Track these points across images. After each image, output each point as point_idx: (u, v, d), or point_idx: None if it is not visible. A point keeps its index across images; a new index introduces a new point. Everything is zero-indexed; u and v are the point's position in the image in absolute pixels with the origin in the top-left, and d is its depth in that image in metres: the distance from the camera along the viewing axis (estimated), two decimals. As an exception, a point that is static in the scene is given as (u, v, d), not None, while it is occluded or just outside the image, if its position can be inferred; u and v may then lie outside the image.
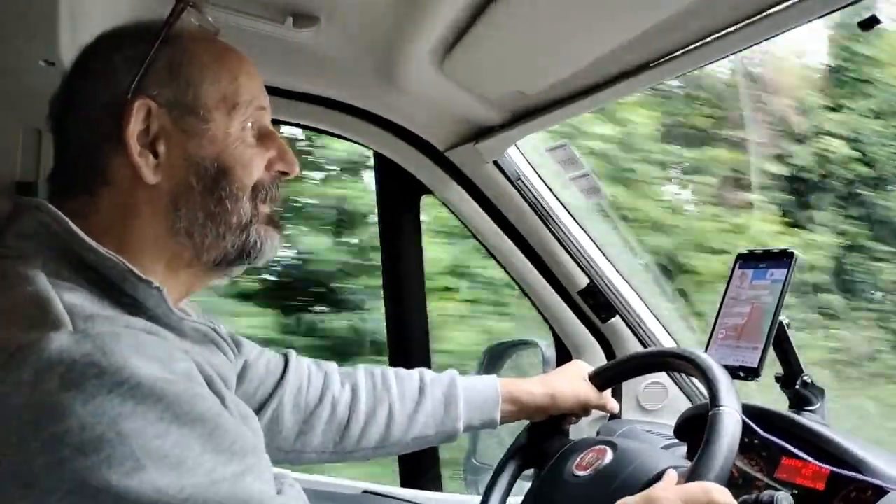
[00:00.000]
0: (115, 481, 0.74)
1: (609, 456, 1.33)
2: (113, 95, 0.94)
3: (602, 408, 1.53)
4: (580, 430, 1.71)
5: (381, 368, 1.47)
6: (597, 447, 1.37)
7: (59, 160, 0.99)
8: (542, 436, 1.53)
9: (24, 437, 0.74)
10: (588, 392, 1.50)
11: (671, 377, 1.89)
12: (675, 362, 1.35)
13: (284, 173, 1.05)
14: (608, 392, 1.54)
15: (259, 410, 1.33)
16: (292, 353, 1.42)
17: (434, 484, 2.00)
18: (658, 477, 1.18)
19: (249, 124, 1.01)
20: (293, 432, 1.36)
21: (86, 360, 0.76)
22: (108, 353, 0.77)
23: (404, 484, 1.98)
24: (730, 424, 1.11)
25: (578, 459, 1.36)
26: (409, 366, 1.51)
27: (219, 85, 0.98)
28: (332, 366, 1.45)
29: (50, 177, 1.00)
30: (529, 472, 1.54)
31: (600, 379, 1.52)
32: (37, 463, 0.74)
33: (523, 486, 1.51)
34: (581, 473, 1.33)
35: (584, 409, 1.52)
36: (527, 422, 1.55)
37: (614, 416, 1.69)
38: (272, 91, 1.64)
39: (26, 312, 0.81)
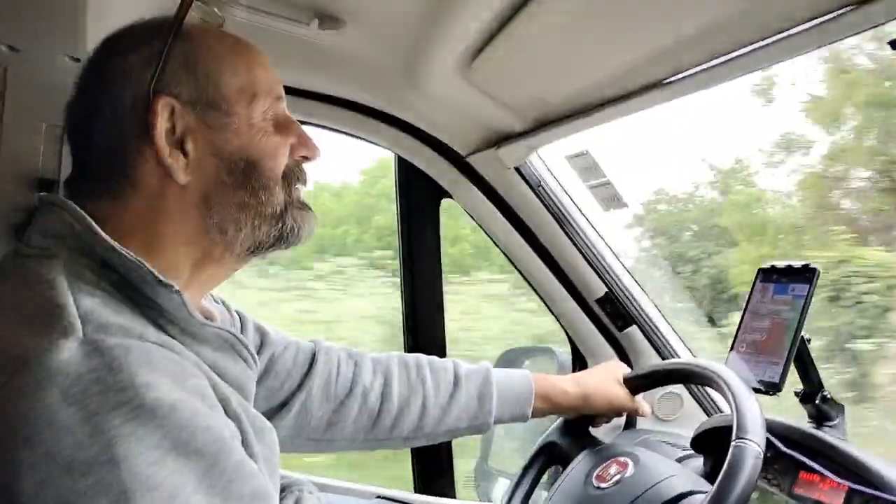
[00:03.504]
0: None
1: (630, 470, 1.33)
2: (133, 97, 0.92)
3: (634, 411, 1.53)
4: (598, 434, 1.71)
5: (415, 357, 1.46)
6: (620, 458, 1.37)
7: (79, 163, 0.98)
8: (573, 433, 1.53)
9: (16, 452, 0.71)
10: (621, 395, 1.50)
11: (688, 388, 1.88)
12: (710, 379, 1.33)
13: (306, 158, 1.05)
14: (640, 396, 1.54)
15: (286, 403, 1.32)
16: (321, 343, 1.41)
17: (447, 490, 2.00)
18: (676, 500, 1.19)
19: (270, 114, 1.00)
20: (323, 422, 1.35)
21: (91, 375, 0.73)
22: (116, 370, 0.74)
23: (418, 489, 1.99)
24: (750, 460, 1.11)
25: (600, 470, 1.36)
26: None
27: (237, 77, 0.97)
28: (362, 354, 1.44)
29: (69, 179, 0.98)
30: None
31: (634, 383, 1.52)
32: (25, 481, 0.71)
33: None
34: (602, 485, 1.33)
35: (615, 412, 1.52)
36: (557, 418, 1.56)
37: (628, 426, 1.68)
38: (295, 92, 1.68)
39: (39, 316, 0.79)
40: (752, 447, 1.13)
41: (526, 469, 1.53)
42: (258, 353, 1.29)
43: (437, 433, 1.42)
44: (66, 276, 0.83)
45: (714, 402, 1.85)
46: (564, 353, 2.04)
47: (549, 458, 1.54)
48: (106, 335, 0.78)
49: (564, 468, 1.48)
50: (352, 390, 1.37)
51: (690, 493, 1.25)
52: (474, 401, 1.42)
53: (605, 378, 1.52)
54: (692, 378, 1.50)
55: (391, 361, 1.43)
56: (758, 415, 1.18)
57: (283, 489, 1.13)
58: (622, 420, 1.64)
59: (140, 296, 0.87)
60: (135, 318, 0.84)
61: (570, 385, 1.50)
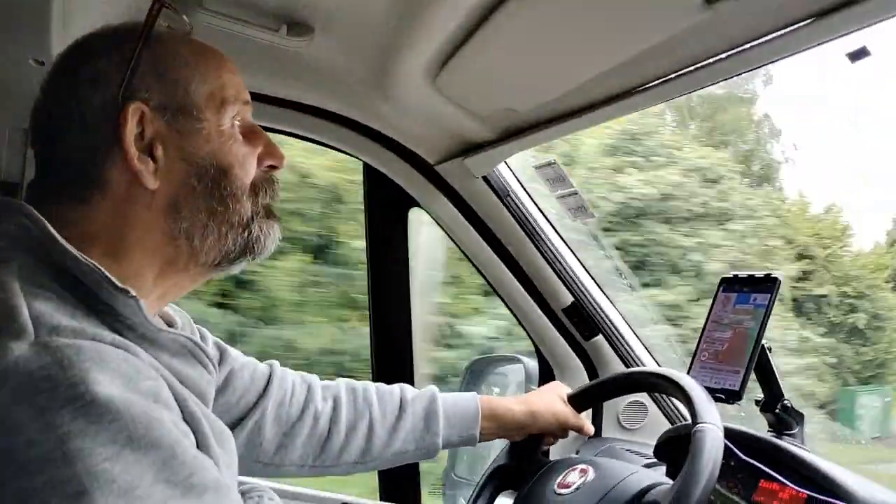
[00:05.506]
0: None
1: (591, 474, 1.33)
2: (103, 101, 0.92)
3: (579, 429, 1.54)
4: (557, 450, 1.72)
5: (363, 383, 1.47)
6: (579, 466, 1.37)
7: (44, 166, 0.96)
8: (522, 456, 1.53)
9: None
10: (566, 413, 1.51)
11: (651, 397, 1.90)
12: (653, 382, 1.36)
13: (273, 167, 1.05)
14: (586, 413, 1.55)
15: (240, 421, 1.32)
16: (276, 365, 1.41)
17: (413, 498, 1.99)
18: (641, 494, 1.19)
19: (237, 122, 1.00)
20: (273, 444, 1.35)
21: (41, 372, 0.72)
22: (67, 367, 0.73)
23: (384, 497, 1.98)
24: (712, 441, 1.12)
25: (560, 478, 1.37)
26: (391, 380, 1.51)
27: (206, 83, 0.97)
28: (314, 379, 1.44)
29: (32, 183, 0.97)
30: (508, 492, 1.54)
31: (578, 400, 1.53)
32: None
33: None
34: (564, 491, 1.33)
35: (562, 430, 1.52)
36: (506, 442, 1.55)
37: (594, 435, 1.69)
38: (264, 98, 1.67)
39: None
40: (710, 428, 1.14)
41: (478, 494, 1.52)
42: (218, 366, 1.28)
43: (386, 457, 1.42)
44: (19, 279, 0.82)
45: (678, 410, 1.87)
46: (532, 362, 2.04)
47: (500, 482, 1.53)
48: (58, 336, 0.77)
49: (517, 490, 1.48)
50: (303, 413, 1.38)
51: (655, 485, 1.26)
52: (421, 422, 1.43)
53: (551, 396, 1.53)
54: (634, 386, 1.52)
55: (340, 387, 1.44)
56: (709, 400, 1.20)
57: (242, 495, 1.12)
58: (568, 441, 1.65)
59: (96, 300, 0.85)
60: (90, 321, 0.83)
61: (517, 404, 1.50)
